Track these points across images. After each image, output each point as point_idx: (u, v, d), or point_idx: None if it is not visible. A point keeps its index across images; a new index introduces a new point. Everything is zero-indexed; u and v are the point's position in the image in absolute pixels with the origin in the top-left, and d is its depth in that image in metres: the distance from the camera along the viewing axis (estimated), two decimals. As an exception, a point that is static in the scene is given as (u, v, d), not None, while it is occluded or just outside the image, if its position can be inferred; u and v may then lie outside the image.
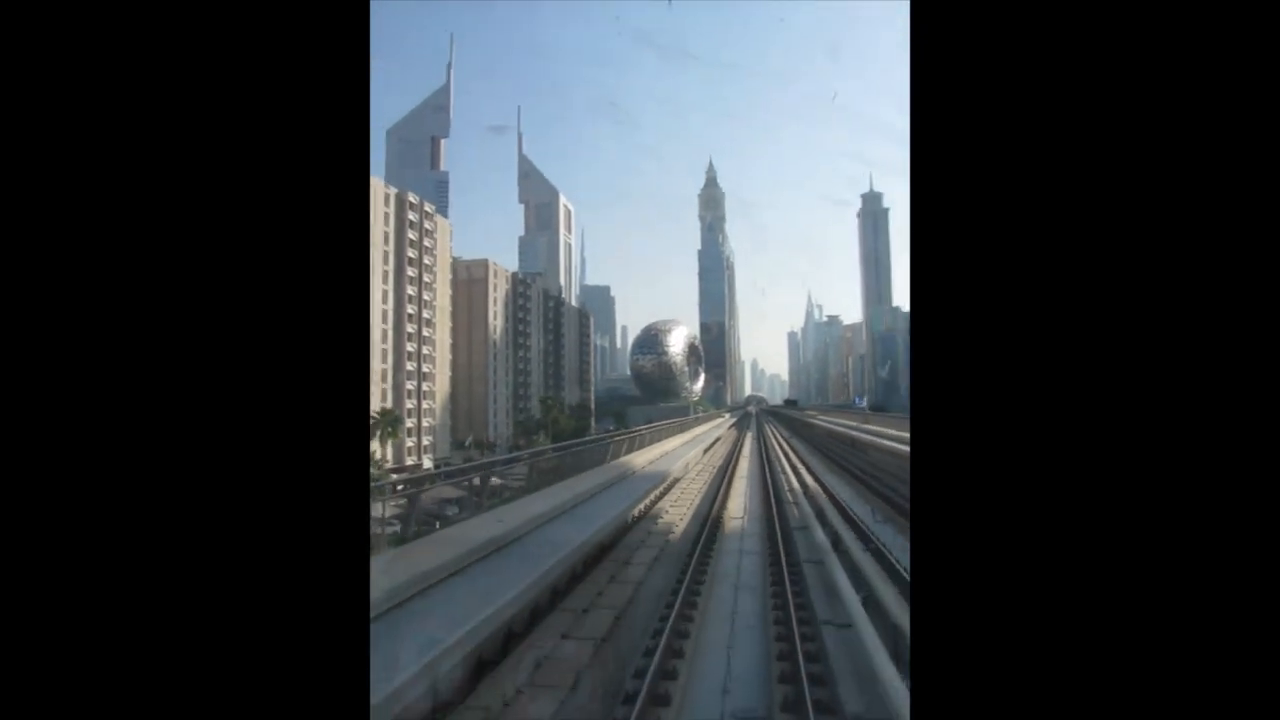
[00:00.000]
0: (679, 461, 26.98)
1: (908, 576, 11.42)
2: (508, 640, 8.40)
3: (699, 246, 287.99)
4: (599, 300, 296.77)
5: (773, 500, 20.05)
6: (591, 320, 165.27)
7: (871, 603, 9.68)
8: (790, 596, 10.33)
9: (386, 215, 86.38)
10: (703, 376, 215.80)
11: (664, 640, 8.51)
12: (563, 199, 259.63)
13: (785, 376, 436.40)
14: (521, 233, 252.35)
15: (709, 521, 17.35)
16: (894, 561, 12.80)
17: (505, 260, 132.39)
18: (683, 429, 44.38)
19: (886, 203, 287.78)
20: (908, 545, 14.45)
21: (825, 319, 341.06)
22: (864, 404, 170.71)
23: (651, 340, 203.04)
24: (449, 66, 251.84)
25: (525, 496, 14.78)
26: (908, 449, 27.99)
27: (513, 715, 6.78)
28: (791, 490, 23.87)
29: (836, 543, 14.08)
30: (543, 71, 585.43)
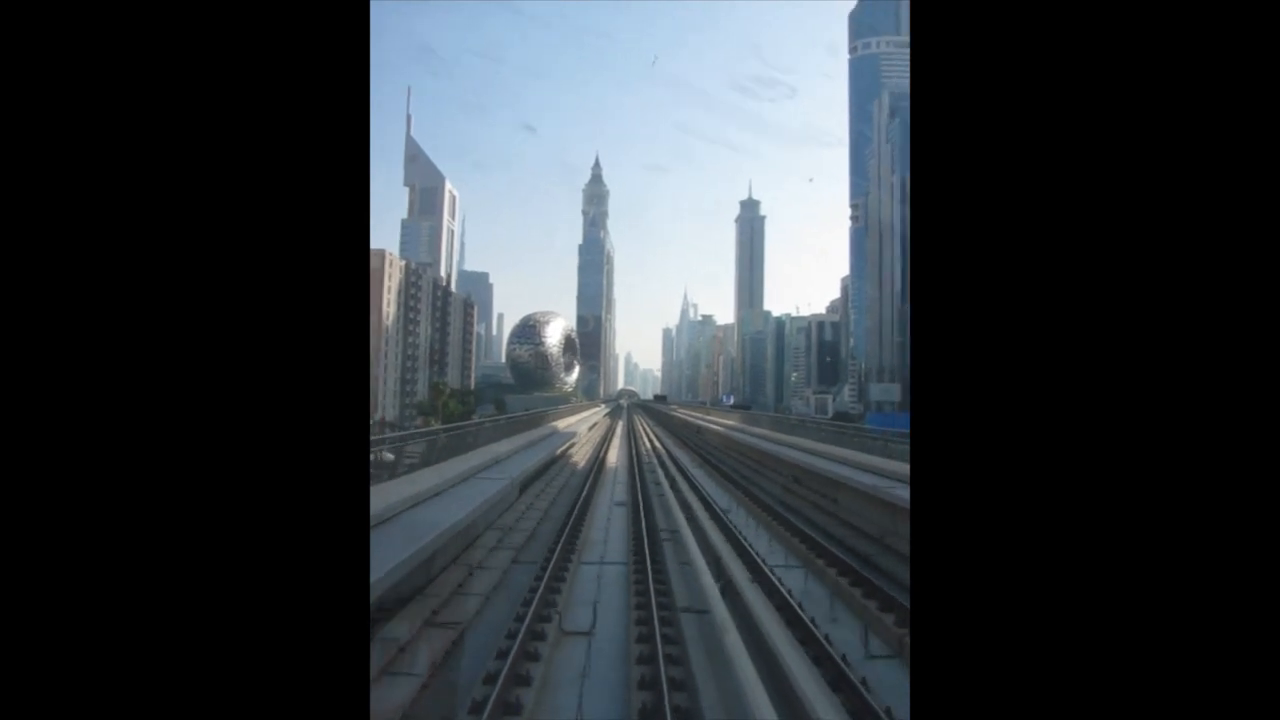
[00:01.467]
0: (580, 429, 44.03)
1: (688, 482, 27.89)
2: (553, 461, 23.99)
3: (580, 240, 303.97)
4: (477, 286, 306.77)
5: (633, 453, 36.63)
6: (475, 310, 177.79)
7: (671, 480, 26.04)
8: (638, 484, 25.97)
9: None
10: (577, 368, 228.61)
11: (587, 489, 24.35)
12: (448, 185, 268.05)
13: (658, 372, 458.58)
14: (405, 216, 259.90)
15: (599, 457, 34.80)
16: (690, 476, 29.32)
17: (386, 243, 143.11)
18: (574, 412, 61.05)
19: (763, 210, 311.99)
20: (701, 471, 31.28)
21: (700, 318, 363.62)
22: (730, 401, 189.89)
23: (530, 330, 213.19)
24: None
25: (507, 438, 27.59)
26: (722, 428, 46.07)
27: (567, 460, 22.65)
28: (645, 450, 41.23)
29: (663, 465, 31.01)
30: (434, 52, 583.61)
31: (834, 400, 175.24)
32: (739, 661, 7.56)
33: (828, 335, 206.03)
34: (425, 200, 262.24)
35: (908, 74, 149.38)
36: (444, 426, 22.71)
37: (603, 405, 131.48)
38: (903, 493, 14.40)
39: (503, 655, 8.50)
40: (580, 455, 36.24)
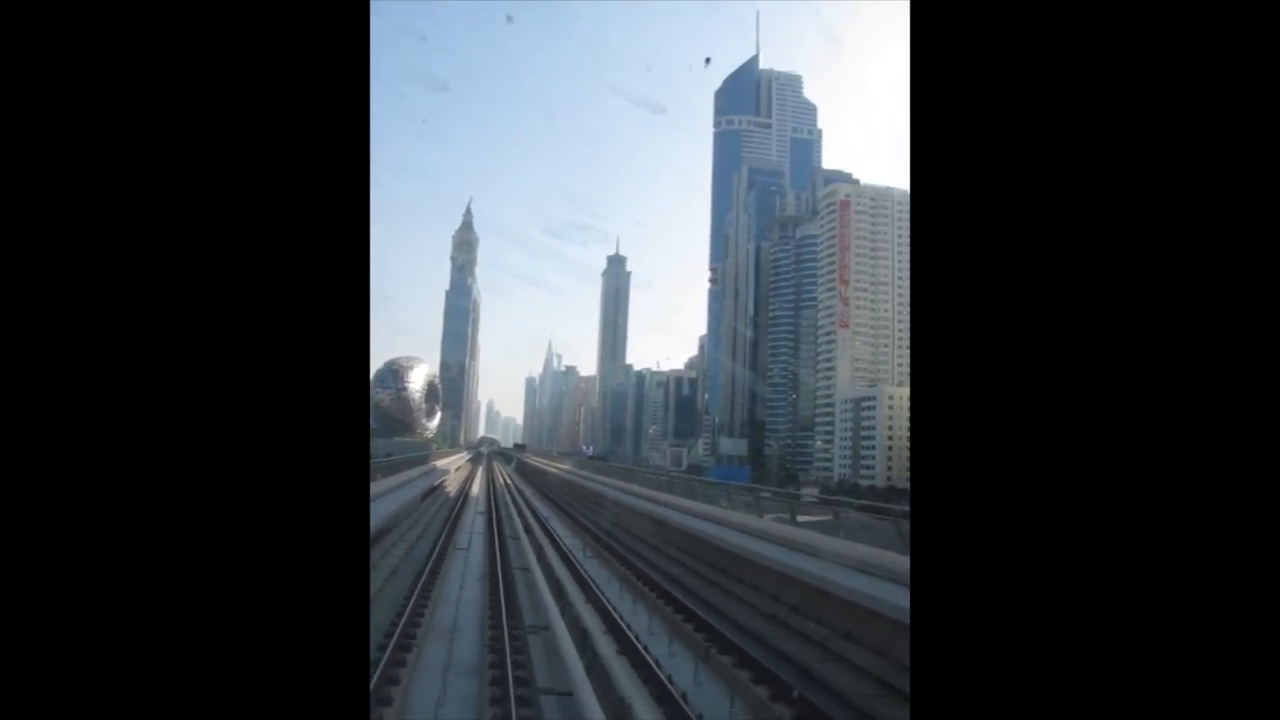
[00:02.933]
0: (451, 469, 59.19)
1: (529, 512, 43.04)
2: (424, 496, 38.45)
3: (447, 286, 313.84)
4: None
5: (491, 490, 51.29)
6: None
7: (518, 503, 41.23)
8: (494, 504, 40.34)
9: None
10: (439, 415, 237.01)
11: (459, 506, 39.26)
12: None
13: (520, 420, 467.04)
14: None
15: (465, 490, 49.89)
16: (523, 503, 44.62)
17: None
18: (445, 456, 76.02)
19: (629, 267, 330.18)
20: (540, 501, 46.54)
21: (563, 368, 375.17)
22: (590, 452, 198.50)
23: (393, 375, 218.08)
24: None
25: (397, 473, 42.83)
26: (557, 470, 62.32)
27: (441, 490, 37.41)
28: (500, 486, 56.24)
29: (510, 492, 46.61)
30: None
31: (689, 453, 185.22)
32: (528, 549, 22.44)
33: (685, 391, 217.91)
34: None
35: (766, 152, 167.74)
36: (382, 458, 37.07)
37: (465, 452, 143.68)
38: (649, 507, 30.37)
39: (429, 556, 22.04)
40: (453, 485, 50.99)
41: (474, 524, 31.08)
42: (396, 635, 11.74)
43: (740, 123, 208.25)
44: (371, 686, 9.17)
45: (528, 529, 28.28)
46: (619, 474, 53.65)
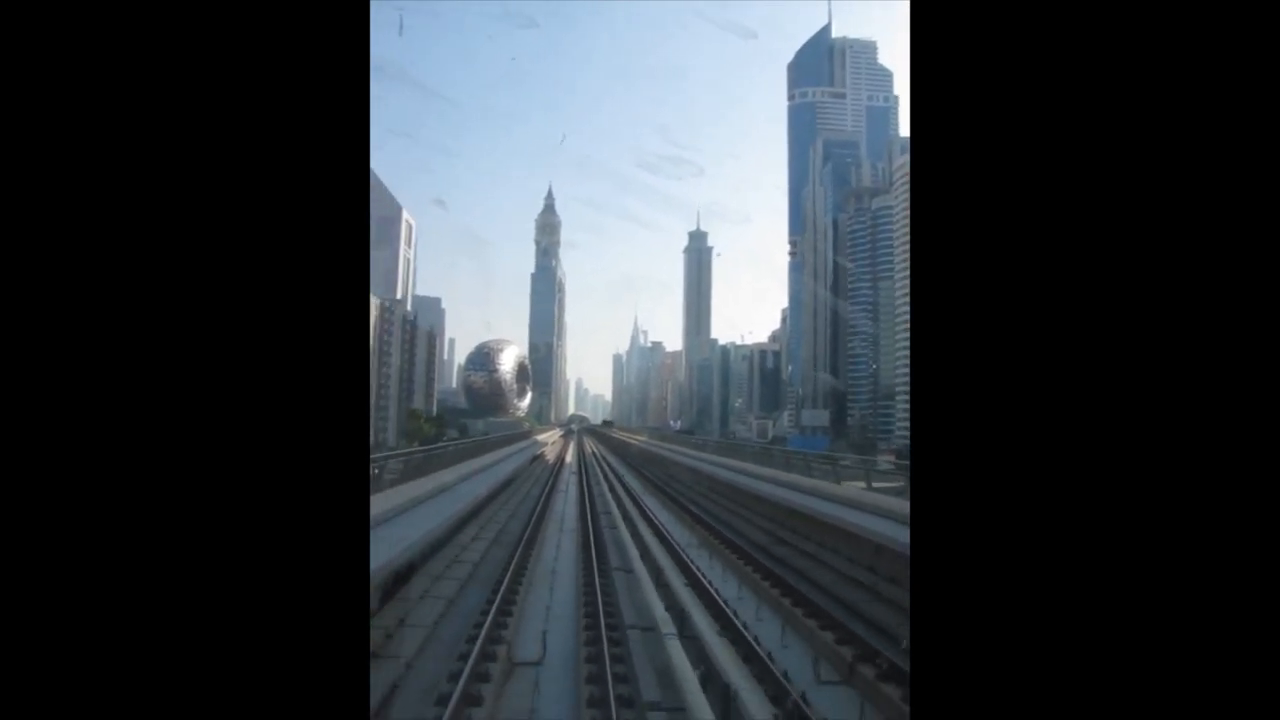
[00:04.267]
0: (549, 441, 75.21)
1: (609, 469, 57.21)
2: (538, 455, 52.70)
3: (533, 269, 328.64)
4: (430, 311, 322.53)
5: (581, 460, 65.28)
6: (438, 341, 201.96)
7: (601, 466, 55.80)
8: (582, 470, 53.82)
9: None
10: (530, 394, 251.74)
11: (559, 469, 53.43)
12: (405, 214, 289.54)
13: (608, 397, 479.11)
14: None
15: (561, 457, 64.84)
16: (606, 466, 59.17)
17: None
18: (541, 433, 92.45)
19: (710, 242, 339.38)
20: (619, 464, 60.86)
21: (649, 344, 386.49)
22: (677, 426, 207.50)
23: (484, 357, 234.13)
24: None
25: (513, 443, 56.97)
26: (637, 441, 77.30)
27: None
28: (590, 456, 70.70)
29: (598, 459, 61.16)
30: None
31: (774, 425, 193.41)
32: (606, 489, 36.74)
33: (769, 364, 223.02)
34: (381, 230, 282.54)
35: (841, 123, 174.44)
36: (495, 435, 51.40)
37: (557, 429, 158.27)
38: (697, 464, 44.19)
39: (540, 495, 35.35)
40: (550, 454, 65.30)
41: (569, 479, 44.81)
42: (534, 517, 24.91)
43: (814, 94, 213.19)
44: (529, 529, 21.70)
45: (606, 478, 43.06)
46: (695, 445, 63.66)
